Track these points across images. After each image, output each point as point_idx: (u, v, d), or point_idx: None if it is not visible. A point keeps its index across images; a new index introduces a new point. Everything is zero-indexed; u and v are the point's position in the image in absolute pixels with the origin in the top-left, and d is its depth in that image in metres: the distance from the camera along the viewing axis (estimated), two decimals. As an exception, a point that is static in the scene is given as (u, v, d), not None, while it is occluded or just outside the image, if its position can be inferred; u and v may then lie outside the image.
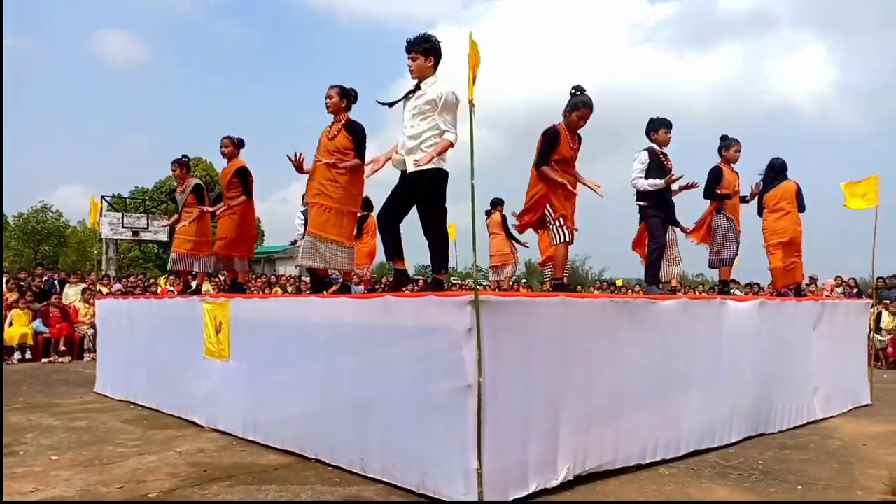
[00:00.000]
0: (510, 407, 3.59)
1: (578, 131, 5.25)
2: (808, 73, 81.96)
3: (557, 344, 3.87)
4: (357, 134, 5.27)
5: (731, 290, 7.26)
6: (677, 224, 6.18)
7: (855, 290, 14.24)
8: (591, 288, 21.08)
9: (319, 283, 5.59)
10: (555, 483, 3.75)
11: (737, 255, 6.67)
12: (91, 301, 11.62)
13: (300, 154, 5.46)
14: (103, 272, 19.22)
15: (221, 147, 6.85)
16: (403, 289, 4.88)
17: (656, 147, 5.89)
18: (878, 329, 11.62)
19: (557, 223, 5.15)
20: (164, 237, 22.47)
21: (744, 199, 6.89)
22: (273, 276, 18.35)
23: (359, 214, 5.76)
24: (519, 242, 10.25)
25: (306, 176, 5.50)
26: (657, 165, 5.79)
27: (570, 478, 3.84)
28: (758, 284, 16.14)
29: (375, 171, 4.87)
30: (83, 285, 13.19)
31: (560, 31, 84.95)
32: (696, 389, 4.81)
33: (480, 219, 10.26)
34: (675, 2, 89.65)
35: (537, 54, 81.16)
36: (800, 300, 6.37)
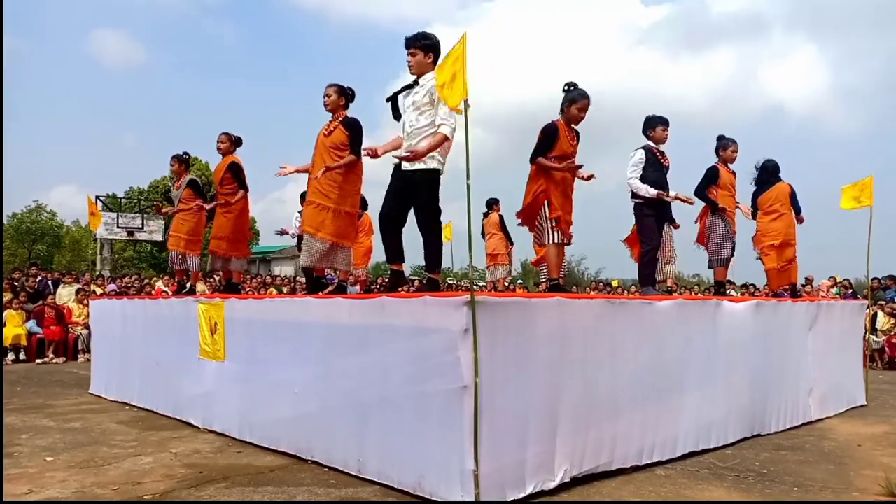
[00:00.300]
0: (507, 408, 3.58)
1: (577, 128, 5.24)
2: (801, 75, 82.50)
3: (554, 344, 3.87)
4: (353, 129, 5.27)
5: (727, 291, 7.28)
6: (672, 221, 6.16)
7: (850, 291, 14.30)
8: (587, 289, 21.10)
9: (315, 283, 5.58)
10: (552, 485, 3.74)
11: (732, 255, 6.67)
12: (85, 302, 11.58)
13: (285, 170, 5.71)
14: (98, 272, 19.16)
15: (218, 143, 6.83)
16: (399, 289, 4.88)
17: (652, 145, 5.88)
18: (873, 330, 11.65)
19: (551, 223, 5.14)
20: (158, 237, 22.44)
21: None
22: (268, 277, 18.32)
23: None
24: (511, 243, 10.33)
25: (304, 176, 5.50)
26: (653, 163, 5.78)
27: (568, 479, 3.84)
28: (753, 285, 16.21)
29: (374, 155, 4.82)
30: (77, 286, 13.14)
31: (555, 33, 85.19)
32: (692, 390, 4.82)
33: (476, 219, 10.28)
34: (669, 4, 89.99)
35: (532, 55, 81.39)
36: (795, 301, 6.39)
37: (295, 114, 77.75)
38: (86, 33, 73.53)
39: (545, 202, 5.14)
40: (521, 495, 3.59)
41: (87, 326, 10.92)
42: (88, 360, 9.26)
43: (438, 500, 3.51)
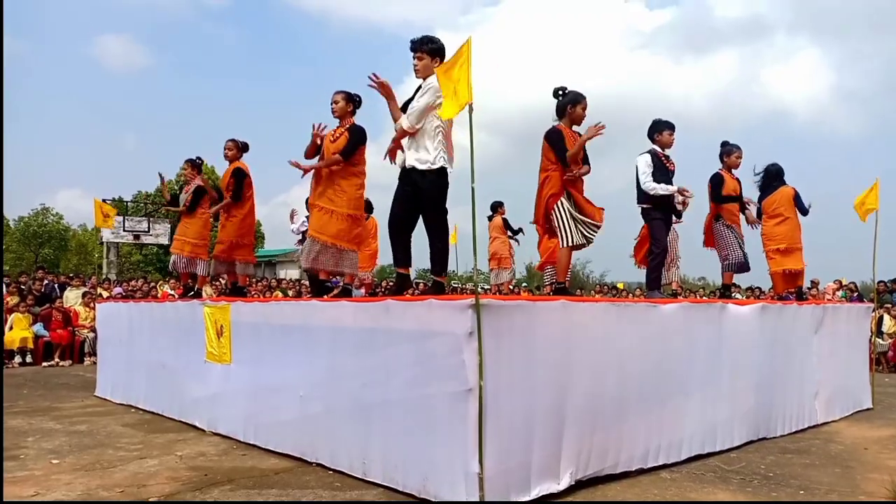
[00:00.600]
0: (512, 410, 3.58)
1: (578, 129, 5.23)
2: (804, 78, 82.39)
3: (559, 347, 3.87)
4: (354, 135, 5.29)
5: (733, 294, 7.26)
6: (678, 214, 6.11)
7: (856, 294, 14.24)
8: (592, 291, 21.06)
9: (319, 287, 5.59)
10: (557, 487, 3.73)
11: (744, 255, 6.65)
12: (91, 305, 11.62)
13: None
14: (104, 276, 19.24)
15: (225, 150, 6.86)
16: (405, 292, 4.89)
17: (658, 149, 5.87)
18: (879, 333, 11.59)
19: (571, 224, 5.07)
20: (165, 241, 22.53)
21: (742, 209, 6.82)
22: (274, 280, 18.36)
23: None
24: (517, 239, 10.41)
25: (308, 178, 5.52)
26: (659, 167, 5.77)
27: (573, 482, 3.83)
28: (759, 288, 16.14)
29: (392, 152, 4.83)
30: (84, 289, 13.20)
31: (558, 37, 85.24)
32: (697, 393, 4.81)
33: (481, 222, 10.29)
34: (672, 8, 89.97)
35: (535, 59, 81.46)
36: (801, 304, 6.37)
37: (297, 116, 78.06)
38: (91, 38, 73.82)
39: (554, 206, 5.08)
40: (526, 498, 3.58)
41: (93, 329, 10.96)
42: (94, 363, 9.30)
43: (443, 502, 3.51)
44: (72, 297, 12.81)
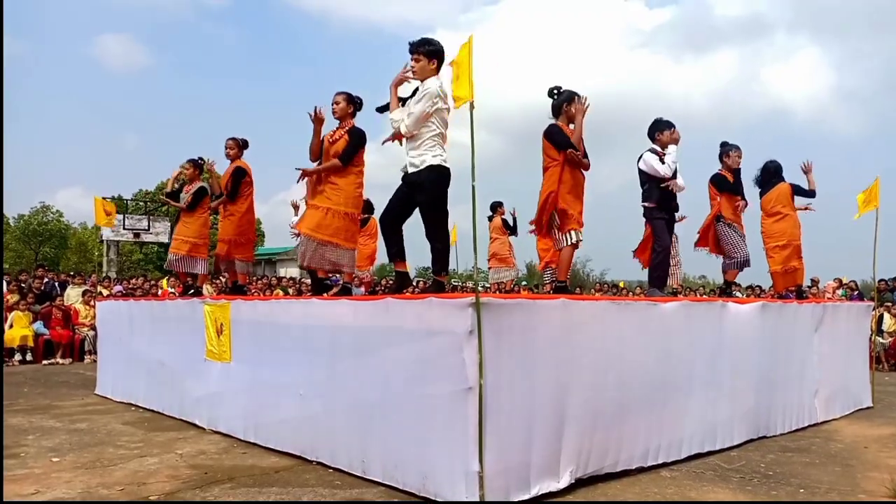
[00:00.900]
0: (512, 409, 3.58)
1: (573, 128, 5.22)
2: (804, 77, 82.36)
3: (559, 346, 3.87)
4: (353, 137, 5.28)
5: (733, 293, 7.26)
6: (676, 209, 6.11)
7: (856, 293, 14.24)
8: (592, 290, 21.06)
9: (319, 285, 5.58)
10: (557, 486, 3.74)
11: (747, 253, 6.64)
12: (91, 303, 11.62)
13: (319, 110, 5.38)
14: (104, 274, 19.24)
15: (226, 149, 6.86)
16: (404, 291, 4.88)
17: (658, 148, 5.87)
18: (879, 331, 11.59)
19: (562, 230, 5.10)
20: (165, 239, 22.51)
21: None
22: (274, 278, 18.35)
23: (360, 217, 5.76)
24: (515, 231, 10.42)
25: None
26: None
27: (573, 480, 3.83)
28: (759, 287, 16.14)
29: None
30: (84, 287, 13.20)
31: (558, 35, 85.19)
32: (697, 392, 4.81)
33: (481, 221, 10.29)
34: (672, 7, 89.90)
35: (535, 58, 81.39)
36: (801, 303, 6.37)
37: (297, 116, 78.01)
38: (92, 37, 73.80)
39: (554, 206, 5.08)
40: (526, 497, 3.58)
41: (93, 328, 10.96)
42: (94, 361, 9.31)
43: (443, 501, 3.51)
44: (72, 296, 12.82)
